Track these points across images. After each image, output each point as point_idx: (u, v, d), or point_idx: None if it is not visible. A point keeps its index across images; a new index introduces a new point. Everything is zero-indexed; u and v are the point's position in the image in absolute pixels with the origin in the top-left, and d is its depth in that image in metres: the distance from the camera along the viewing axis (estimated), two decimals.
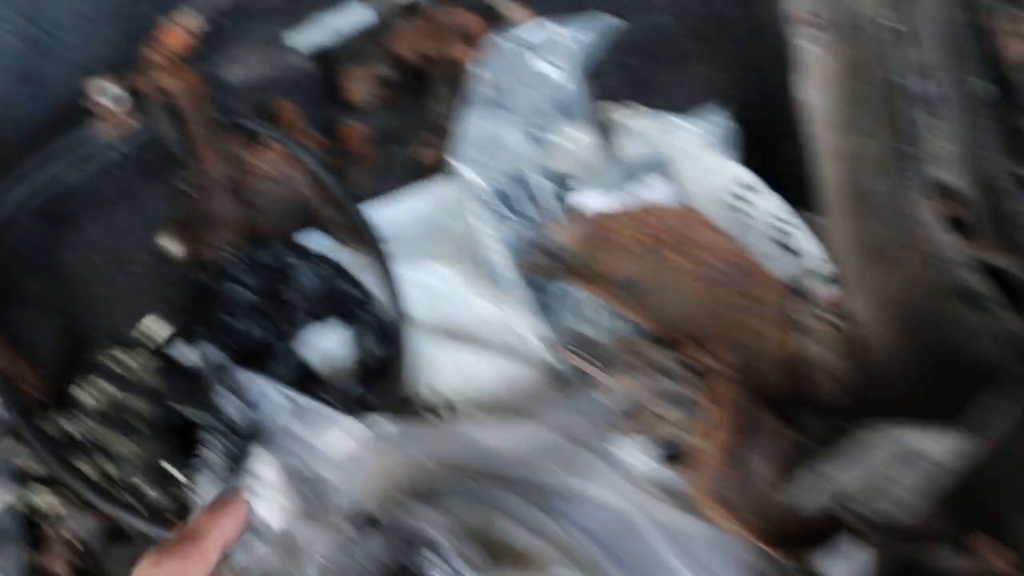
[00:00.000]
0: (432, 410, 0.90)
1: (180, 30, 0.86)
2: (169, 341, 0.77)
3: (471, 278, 0.96)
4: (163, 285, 0.97)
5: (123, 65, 1.11)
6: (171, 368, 0.73)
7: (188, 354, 0.72)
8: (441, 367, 0.91)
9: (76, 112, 1.07)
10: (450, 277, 0.95)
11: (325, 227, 0.97)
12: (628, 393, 0.63)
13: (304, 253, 0.82)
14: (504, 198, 0.87)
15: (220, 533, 0.46)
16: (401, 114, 1.10)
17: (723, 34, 1.19)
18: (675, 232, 0.85)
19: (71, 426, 0.86)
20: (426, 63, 1.06)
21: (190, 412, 0.70)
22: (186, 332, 0.76)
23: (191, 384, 0.71)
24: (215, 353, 0.71)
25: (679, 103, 1.13)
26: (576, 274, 0.83)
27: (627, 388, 0.63)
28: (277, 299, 0.80)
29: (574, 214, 0.87)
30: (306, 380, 0.88)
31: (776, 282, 0.82)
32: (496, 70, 0.87)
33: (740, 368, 0.77)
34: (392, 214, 0.99)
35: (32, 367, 0.91)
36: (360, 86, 1.03)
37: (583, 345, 0.66)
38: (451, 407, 0.90)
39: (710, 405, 0.69)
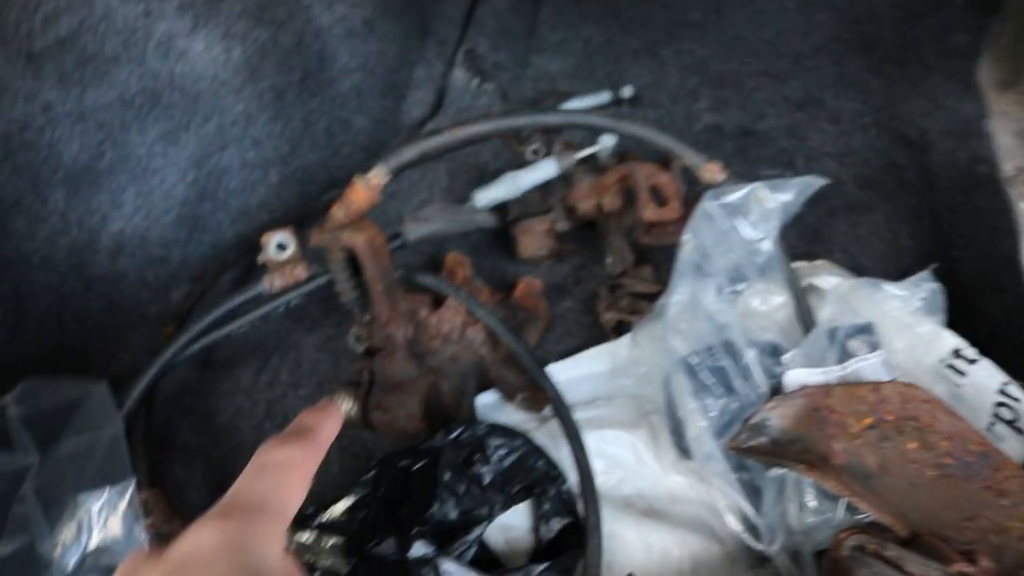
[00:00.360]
0: None
1: (366, 187, 0.83)
2: (356, 523, 0.70)
3: (656, 448, 0.89)
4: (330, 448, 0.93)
5: (281, 210, 1.11)
6: (361, 558, 0.66)
7: (388, 547, 0.65)
8: (625, 543, 0.84)
9: (235, 256, 1.05)
10: (636, 446, 0.89)
11: (503, 389, 0.91)
12: None
13: (498, 429, 0.76)
14: (712, 370, 0.80)
15: (328, 428, 0.47)
16: (571, 267, 1.06)
17: (899, 184, 1.13)
18: (902, 413, 0.77)
19: None
20: (602, 218, 1.02)
21: None
22: (378, 517, 0.69)
23: (387, 573, 0.64)
24: (423, 548, 0.64)
25: (855, 256, 1.08)
26: (795, 457, 0.75)
27: None
28: (470, 478, 0.73)
29: (786, 389, 0.80)
30: (486, 558, 0.82)
31: None
32: (702, 235, 0.82)
33: (1002, 575, 0.68)
34: (568, 375, 0.94)
35: (186, 525, 0.85)
36: (535, 240, 0.99)
37: (869, 567, 0.58)
38: None
39: None
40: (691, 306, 0.83)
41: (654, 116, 1.26)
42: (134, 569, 0.39)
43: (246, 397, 1.01)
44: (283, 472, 0.42)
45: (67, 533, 0.79)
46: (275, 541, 0.40)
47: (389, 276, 0.86)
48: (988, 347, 0.87)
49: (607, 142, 0.95)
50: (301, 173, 1.15)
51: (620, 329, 1.00)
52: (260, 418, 0.99)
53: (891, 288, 0.87)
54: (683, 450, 0.86)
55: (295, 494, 0.42)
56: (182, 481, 0.95)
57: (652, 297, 0.98)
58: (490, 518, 0.75)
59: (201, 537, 0.38)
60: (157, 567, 0.37)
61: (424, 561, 0.64)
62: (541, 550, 0.82)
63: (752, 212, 0.85)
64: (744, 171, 1.01)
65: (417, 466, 0.72)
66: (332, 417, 0.47)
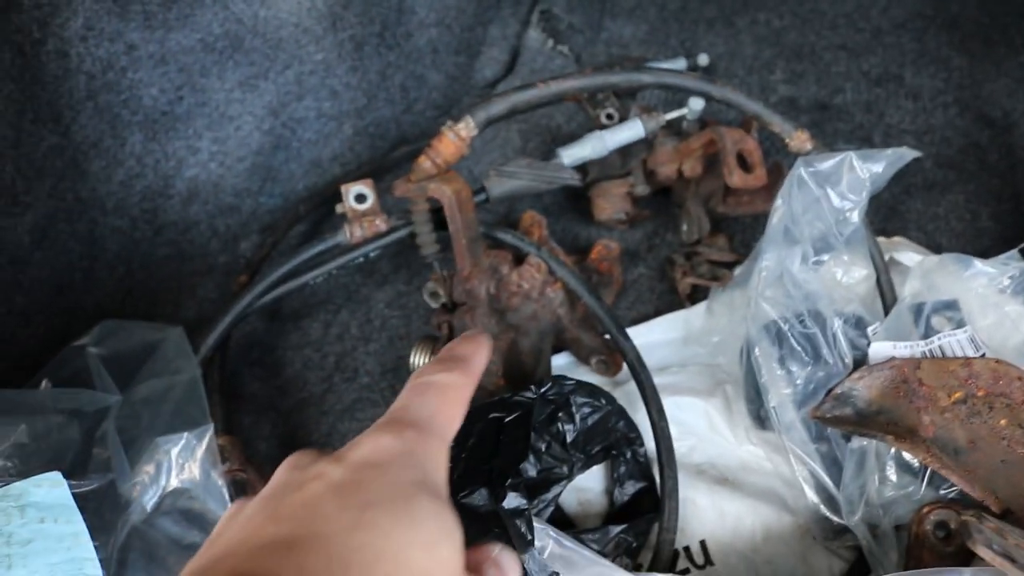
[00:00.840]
0: (689, 557, 0.82)
1: (455, 138, 0.82)
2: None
3: (731, 416, 0.89)
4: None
5: (354, 164, 1.10)
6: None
7: (480, 498, 0.65)
8: (698, 510, 0.84)
9: (307, 209, 1.05)
10: (710, 414, 0.88)
11: (577, 351, 0.91)
12: None
13: (584, 387, 0.76)
14: (801, 339, 0.79)
15: (480, 358, 0.47)
16: (644, 234, 1.05)
17: (979, 164, 1.11)
18: (993, 389, 0.75)
19: None
20: (680, 184, 1.01)
21: None
22: (469, 470, 0.69)
23: (479, 530, 0.64)
24: (517, 500, 0.64)
25: (931, 234, 1.06)
26: (882, 428, 0.74)
27: None
28: (552, 435, 0.73)
29: (871, 361, 0.79)
30: (559, 518, 0.82)
31: None
32: (793, 202, 0.81)
33: None
34: (641, 340, 0.93)
35: (262, 475, 0.86)
36: (612, 203, 0.98)
37: (977, 531, 0.57)
38: (707, 555, 0.82)
39: None
40: (778, 273, 0.82)
41: (746, 94, 1.24)
42: (307, 462, 0.39)
43: (315, 350, 1.01)
44: (445, 394, 0.43)
45: (146, 474, 0.79)
46: (442, 458, 0.40)
47: (474, 230, 0.85)
48: None
49: (695, 106, 0.94)
50: (374, 128, 1.14)
51: (694, 297, 0.99)
52: (329, 371, 0.99)
53: (980, 265, 0.85)
54: (759, 419, 0.86)
55: (456, 417, 0.43)
56: (250, 432, 0.95)
57: (731, 266, 0.97)
58: (570, 477, 0.74)
59: (381, 442, 0.39)
60: (337, 465, 0.37)
61: (518, 512, 0.64)
62: (614, 513, 0.82)
63: (842, 181, 0.84)
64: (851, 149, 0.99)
65: (509, 418, 0.71)
66: (484, 347, 0.48)
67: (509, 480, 0.66)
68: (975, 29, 1.27)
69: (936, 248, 1.04)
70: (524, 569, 0.62)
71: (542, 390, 0.72)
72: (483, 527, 0.64)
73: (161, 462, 0.80)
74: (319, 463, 0.38)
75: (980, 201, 1.09)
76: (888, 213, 1.08)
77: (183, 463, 0.80)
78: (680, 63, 1.22)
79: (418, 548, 0.35)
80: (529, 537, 0.63)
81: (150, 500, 0.78)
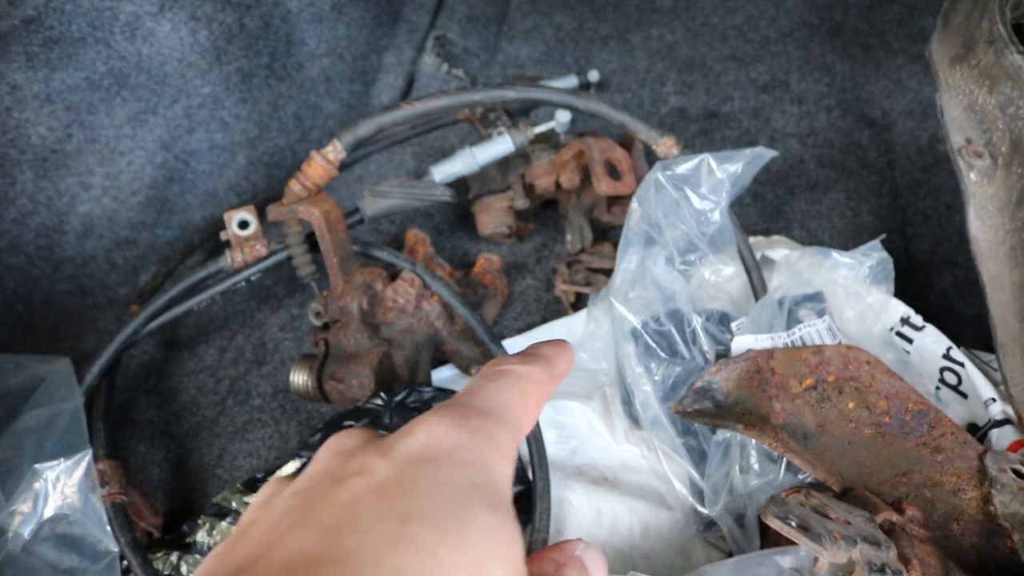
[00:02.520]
0: None
1: (323, 161, 0.84)
2: None
3: (608, 418, 0.91)
4: (287, 421, 0.94)
5: (250, 193, 1.12)
6: None
7: None
8: (575, 510, 0.85)
9: (202, 239, 1.07)
10: (589, 416, 0.90)
11: (458, 362, 0.93)
12: (831, 559, 0.55)
13: (446, 394, 0.77)
14: (658, 336, 0.81)
15: (564, 362, 0.41)
16: (533, 247, 1.07)
17: (860, 163, 1.15)
18: (843, 374, 0.78)
19: (187, 568, 0.81)
20: (562, 196, 1.03)
21: None
22: None
23: None
24: None
25: (814, 232, 1.09)
26: (737, 418, 0.76)
27: (831, 555, 0.55)
28: None
29: (732, 354, 0.81)
30: None
31: (963, 432, 0.74)
32: (651, 205, 0.83)
33: (932, 528, 0.69)
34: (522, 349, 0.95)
35: (145, 498, 0.87)
36: (494, 217, 1.00)
37: (780, 504, 0.59)
38: None
39: (902, 571, 0.61)
40: (640, 274, 0.84)
41: (621, 100, 1.28)
42: (352, 446, 0.34)
43: (209, 375, 1.03)
44: (524, 386, 0.37)
45: (24, 502, 0.80)
46: (511, 455, 0.35)
47: (345, 249, 0.87)
48: (940, 319, 0.88)
49: (563, 118, 0.97)
50: (269, 157, 1.16)
51: (577, 306, 1.01)
52: (223, 395, 1.00)
53: (839, 256, 0.88)
54: (634, 419, 0.88)
55: (532, 414, 0.38)
56: (145, 458, 0.96)
57: (609, 272, 0.99)
58: None
59: (438, 430, 0.33)
60: (383, 459, 0.32)
61: None
62: None
63: (703, 183, 0.87)
64: (708, 152, 1.02)
65: (359, 425, 0.73)
66: (569, 354, 0.43)
67: None
68: (856, 36, 1.31)
69: (819, 245, 1.07)
70: None
71: (399, 397, 0.74)
72: None
73: (39, 490, 0.81)
74: (365, 451, 0.33)
75: (860, 197, 1.12)
76: (772, 213, 1.11)
77: (62, 489, 0.81)
78: (572, 80, 1.25)
79: (467, 571, 0.30)
80: None
81: (28, 528, 0.79)
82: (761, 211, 1.10)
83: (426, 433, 0.33)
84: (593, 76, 1.26)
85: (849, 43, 1.30)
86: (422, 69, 1.32)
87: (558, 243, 1.08)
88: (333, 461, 0.33)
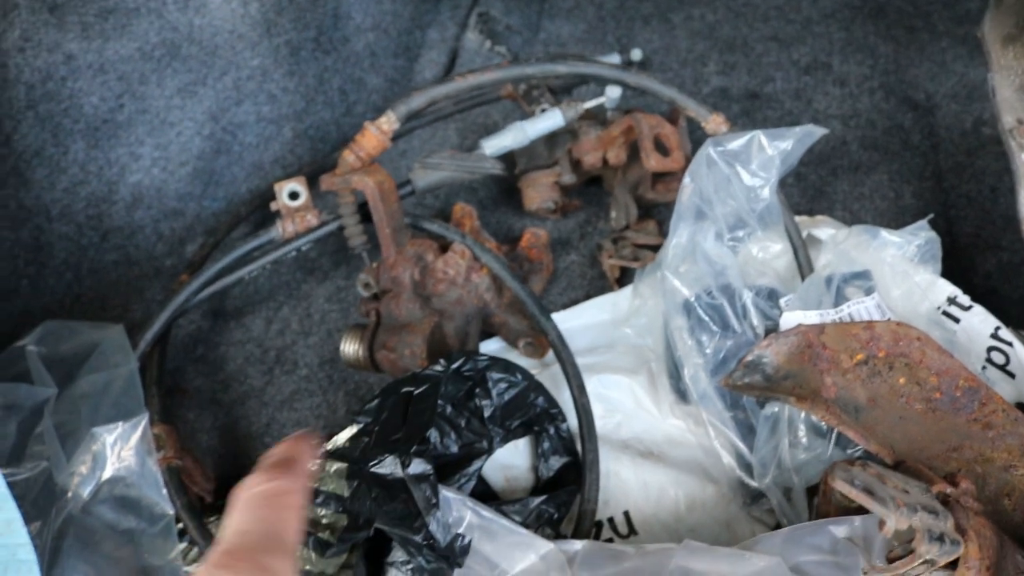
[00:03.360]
0: (613, 528, 0.85)
1: (377, 132, 0.85)
2: (359, 449, 0.73)
3: (655, 393, 0.91)
4: (335, 391, 0.95)
5: (295, 166, 1.13)
6: (362, 479, 0.69)
7: (387, 465, 0.67)
8: (622, 482, 0.86)
9: (248, 211, 1.08)
10: (635, 391, 0.91)
11: (505, 334, 0.94)
12: (893, 528, 0.56)
13: (499, 363, 0.78)
14: (711, 310, 0.82)
15: (306, 456, 0.43)
16: (576, 223, 1.08)
17: (903, 145, 1.14)
18: (894, 349, 0.78)
19: None
20: (608, 172, 1.04)
21: (387, 526, 0.66)
22: (379, 442, 0.72)
23: (387, 497, 0.66)
24: (421, 466, 0.66)
25: (857, 213, 1.09)
26: (788, 391, 0.77)
27: (896, 522, 0.55)
28: (471, 411, 0.75)
29: (782, 329, 0.82)
30: (485, 494, 0.84)
31: (1015, 410, 0.75)
32: (702, 180, 0.84)
33: (984, 502, 0.69)
34: (570, 324, 0.95)
35: (198, 463, 0.89)
36: (541, 192, 1.01)
37: (844, 470, 0.60)
38: (631, 525, 0.85)
39: (960, 542, 0.61)
40: (690, 249, 0.85)
41: (662, 80, 1.27)
42: None
43: (256, 345, 1.04)
44: (279, 502, 0.40)
45: (83, 464, 0.82)
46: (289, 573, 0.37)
47: (397, 219, 0.88)
48: (984, 302, 0.88)
49: (612, 93, 0.97)
50: (314, 130, 1.17)
51: (623, 281, 1.02)
52: (270, 364, 1.01)
53: (887, 235, 0.88)
54: (681, 394, 0.89)
55: (295, 524, 0.39)
56: (194, 425, 0.98)
57: (655, 248, 1.00)
58: (489, 451, 0.77)
59: None
60: None
61: (423, 477, 0.66)
62: (539, 488, 0.84)
63: (753, 160, 0.87)
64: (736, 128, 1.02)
65: (418, 391, 0.74)
66: (306, 445, 0.45)
67: (414, 448, 0.68)
68: (899, 17, 1.31)
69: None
70: (428, 532, 0.64)
71: (455, 365, 0.75)
72: (391, 493, 0.66)
73: (98, 452, 0.82)
74: None
75: (903, 180, 1.12)
76: (815, 194, 1.12)
77: (119, 452, 0.83)
78: (614, 59, 1.25)
79: None
80: (433, 501, 0.65)
81: (87, 489, 0.81)
82: (804, 191, 1.11)
83: None
84: (636, 55, 1.26)
85: (893, 25, 1.29)
86: (465, 46, 1.32)
87: (601, 220, 1.09)
88: None
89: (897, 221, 1.08)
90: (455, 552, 0.67)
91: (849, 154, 1.15)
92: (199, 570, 0.35)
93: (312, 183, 0.92)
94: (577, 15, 1.38)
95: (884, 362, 0.78)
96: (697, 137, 1.10)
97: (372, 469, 0.67)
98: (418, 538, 0.64)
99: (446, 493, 0.70)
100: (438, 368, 0.74)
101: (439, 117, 1.19)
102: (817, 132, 0.88)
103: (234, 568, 0.35)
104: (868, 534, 0.64)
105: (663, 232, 1.06)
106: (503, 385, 0.78)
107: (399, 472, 0.66)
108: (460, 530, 0.70)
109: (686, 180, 0.84)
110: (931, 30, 1.27)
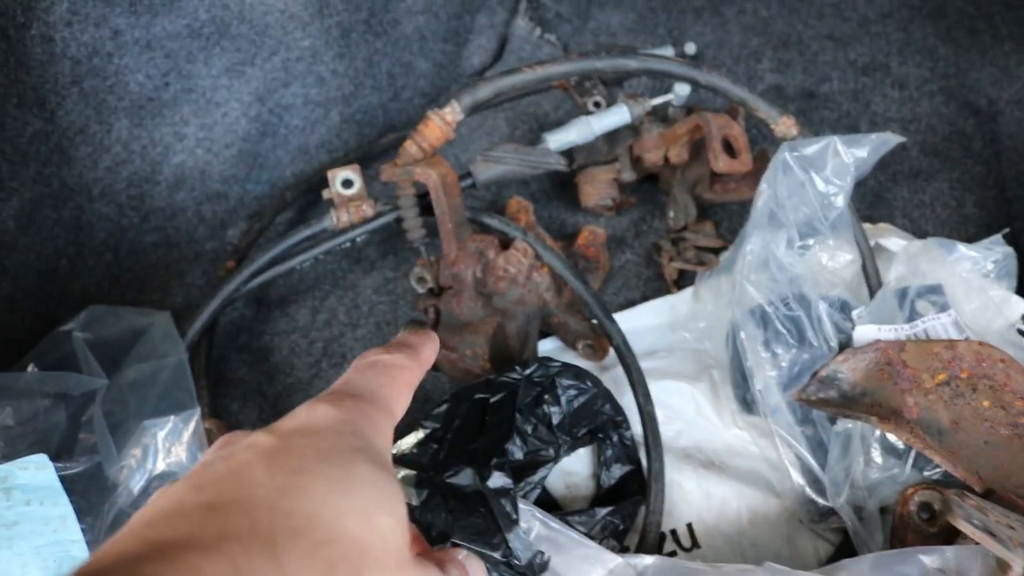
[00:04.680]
0: (676, 540, 0.83)
1: (441, 122, 0.82)
2: (427, 456, 0.70)
3: (716, 401, 0.89)
4: None
5: (341, 151, 1.10)
6: (435, 488, 0.66)
7: (464, 477, 0.65)
8: (685, 493, 0.84)
9: (293, 196, 1.05)
10: (697, 398, 0.88)
11: (564, 335, 0.91)
12: (1020, 571, 0.54)
13: (571, 370, 0.76)
14: (788, 321, 0.80)
15: (429, 348, 0.47)
16: (631, 220, 1.05)
17: (964, 152, 1.12)
18: (976, 371, 0.76)
19: None
20: (667, 171, 1.01)
21: (464, 541, 0.63)
22: (453, 451, 0.69)
23: (464, 510, 0.64)
24: (502, 479, 0.64)
25: (917, 221, 1.07)
26: (866, 410, 0.74)
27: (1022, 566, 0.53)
28: (539, 417, 0.73)
29: (855, 344, 0.79)
30: (547, 502, 0.82)
31: None
32: (777, 186, 0.81)
33: None
34: (628, 326, 0.93)
35: None
36: (599, 188, 0.98)
37: (959, 505, 0.58)
38: (694, 537, 0.83)
39: None
40: (763, 256, 0.82)
41: (733, 79, 1.25)
42: (237, 438, 0.37)
43: (302, 336, 1.01)
44: (391, 372, 0.42)
45: (133, 457, 0.79)
46: (387, 430, 0.39)
47: (460, 214, 0.85)
48: None
49: (681, 91, 0.94)
50: (361, 115, 1.14)
51: (680, 283, 0.99)
52: (317, 357, 0.99)
53: (964, 249, 0.86)
54: (745, 404, 0.86)
55: (402, 395, 0.42)
56: (238, 417, 0.95)
57: (716, 251, 0.97)
58: (556, 459, 0.74)
59: (315, 412, 0.37)
60: (268, 435, 0.35)
61: (503, 492, 0.64)
62: (600, 496, 0.82)
63: (827, 166, 0.84)
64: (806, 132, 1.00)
65: (495, 399, 0.71)
66: (432, 340, 0.47)
67: (494, 460, 0.66)
68: (960, 19, 1.27)
69: (921, 234, 1.05)
70: (508, 548, 0.62)
71: (527, 372, 0.73)
72: (468, 506, 0.64)
73: (148, 445, 0.80)
74: (248, 435, 0.36)
75: (965, 188, 1.09)
76: (874, 200, 1.09)
77: (170, 446, 0.80)
78: (668, 51, 1.22)
79: (354, 517, 0.33)
80: (514, 516, 0.63)
81: (137, 483, 0.78)
82: (863, 197, 1.08)
83: (306, 413, 0.37)
84: (690, 49, 1.23)
85: (953, 26, 1.26)
86: (514, 32, 1.29)
87: (656, 218, 1.06)
88: (220, 450, 0.36)
89: (959, 231, 1.06)
90: (534, 569, 0.64)
91: (909, 160, 1.12)
92: (306, 403, 0.38)
93: (362, 168, 0.89)
94: (627, 5, 1.35)
95: (967, 383, 0.76)
96: (752, 135, 1.08)
97: (448, 480, 0.65)
98: (497, 554, 0.62)
99: (526, 507, 0.68)
100: (514, 375, 0.72)
101: (488, 106, 1.16)
102: (893, 140, 0.85)
103: (336, 402, 0.37)
104: (961, 566, 0.62)
105: (720, 234, 1.03)
106: (572, 392, 0.76)
107: (477, 484, 0.64)
108: (530, 540, 0.67)
109: (763, 186, 0.82)
110: (993, 33, 1.23)
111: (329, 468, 0.33)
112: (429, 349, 0.47)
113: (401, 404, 0.42)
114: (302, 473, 0.33)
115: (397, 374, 0.42)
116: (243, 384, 0.97)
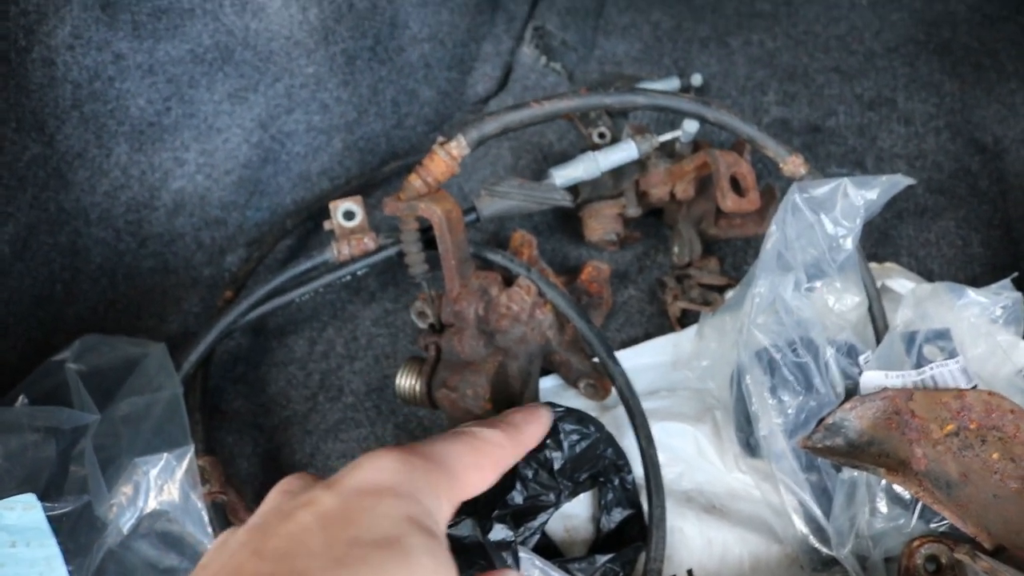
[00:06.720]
0: None
1: (446, 156, 0.81)
2: None
3: (719, 443, 0.88)
4: (383, 423, 0.91)
5: (343, 178, 1.09)
6: None
7: (464, 528, 0.63)
8: (685, 538, 0.83)
9: (293, 224, 1.04)
10: (699, 440, 0.87)
11: (565, 374, 0.90)
12: None
13: (574, 414, 0.74)
14: (796, 368, 0.78)
15: (535, 431, 0.48)
16: (634, 255, 1.04)
17: (970, 190, 1.11)
18: (986, 422, 0.75)
19: None
20: (672, 206, 1.00)
21: None
22: None
23: (464, 563, 0.62)
24: (503, 532, 0.62)
25: (923, 260, 1.06)
26: (873, 460, 0.73)
27: None
28: (540, 462, 0.71)
29: (862, 391, 0.78)
30: (546, 546, 0.81)
31: None
32: (787, 227, 0.80)
33: None
34: (630, 364, 0.92)
35: (240, 496, 0.85)
36: (604, 223, 0.97)
37: (972, 571, 0.56)
38: None
39: None
40: (770, 299, 0.81)
41: (742, 117, 1.24)
42: (299, 487, 0.38)
43: (299, 368, 1.00)
44: (476, 444, 0.42)
45: (124, 495, 0.78)
46: (446, 500, 0.39)
47: (463, 250, 0.84)
48: None
49: (690, 128, 0.93)
50: (364, 142, 1.13)
51: (684, 321, 0.98)
52: (314, 389, 0.97)
53: (973, 294, 0.85)
54: (748, 447, 0.85)
55: (483, 469, 0.42)
56: (232, 450, 0.94)
57: (720, 289, 0.96)
58: (557, 505, 0.73)
59: (381, 463, 0.37)
60: (329, 492, 0.36)
61: (504, 544, 0.62)
62: (600, 541, 0.81)
63: (836, 208, 0.83)
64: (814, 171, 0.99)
65: None
66: (540, 421, 0.49)
67: (496, 511, 0.64)
68: (966, 55, 1.27)
69: (927, 274, 1.04)
70: None
71: None
72: (468, 559, 0.62)
73: (139, 483, 0.78)
74: (312, 489, 0.37)
75: (971, 227, 1.08)
76: (880, 238, 1.08)
77: (162, 484, 0.79)
78: (674, 82, 1.21)
79: None
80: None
81: (127, 522, 0.77)
82: (868, 234, 1.07)
83: (370, 467, 0.37)
84: (696, 80, 1.22)
85: (959, 62, 1.25)
86: (520, 60, 1.28)
87: (660, 253, 1.05)
88: (282, 500, 0.38)
89: (965, 271, 1.05)
90: None
91: (915, 197, 1.11)
92: (375, 453, 0.38)
93: (364, 197, 0.88)
94: (633, 34, 1.34)
95: (976, 435, 0.74)
96: (757, 170, 1.06)
97: (448, 531, 0.63)
98: None
99: (529, 558, 0.66)
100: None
101: (510, 131, 1.15)
102: (903, 182, 0.84)
103: (403, 460, 0.38)
104: None
105: (724, 270, 1.02)
106: (575, 437, 0.74)
107: (478, 536, 0.62)
108: None
109: (772, 228, 0.80)
110: (999, 69, 1.23)
111: (385, 539, 0.34)
112: (534, 430, 0.48)
113: (476, 478, 0.42)
114: (358, 544, 0.33)
115: (483, 447, 0.43)
116: (238, 416, 0.96)
